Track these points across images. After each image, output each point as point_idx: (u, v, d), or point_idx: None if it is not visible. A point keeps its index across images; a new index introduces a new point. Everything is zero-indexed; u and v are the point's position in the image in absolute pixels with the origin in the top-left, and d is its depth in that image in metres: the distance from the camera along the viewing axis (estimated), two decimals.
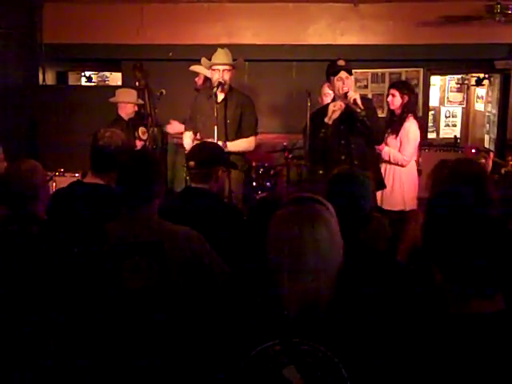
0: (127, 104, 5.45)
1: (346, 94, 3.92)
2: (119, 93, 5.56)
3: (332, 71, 4.00)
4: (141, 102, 5.53)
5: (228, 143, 4.23)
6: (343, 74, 3.95)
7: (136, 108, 5.52)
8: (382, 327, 1.62)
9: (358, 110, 3.85)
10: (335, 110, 3.89)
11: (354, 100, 3.86)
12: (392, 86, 4.78)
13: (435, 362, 1.40)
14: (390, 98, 4.66)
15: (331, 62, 4.05)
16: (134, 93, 5.54)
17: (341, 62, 3.97)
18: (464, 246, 1.42)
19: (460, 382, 1.38)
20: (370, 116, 3.94)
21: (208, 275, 2.15)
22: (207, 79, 5.01)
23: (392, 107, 4.66)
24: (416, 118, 4.68)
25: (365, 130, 3.91)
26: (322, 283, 1.46)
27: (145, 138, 5.50)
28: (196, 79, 5.38)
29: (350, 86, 3.95)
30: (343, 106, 3.89)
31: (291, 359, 1.41)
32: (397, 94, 4.60)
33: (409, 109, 4.62)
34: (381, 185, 4.24)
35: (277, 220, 1.54)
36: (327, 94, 5.07)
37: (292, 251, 1.46)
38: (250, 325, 1.49)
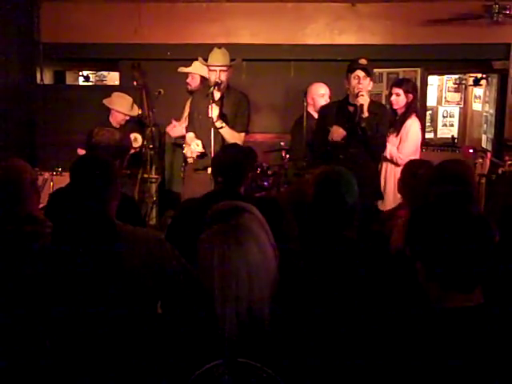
0: (118, 113, 5.30)
1: (358, 94, 3.89)
2: (113, 98, 5.36)
3: (350, 68, 3.98)
4: (133, 113, 5.35)
5: (224, 125, 4.18)
6: (360, 72, 3.92)
7: (127, 117, 5.34)
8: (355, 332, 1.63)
9: (362, 116, 3.84)
10: (338, 135, 3.94)
11: (361, 105, 3.85)
12: (395, 84, 4.58)
13: (416, 357, 1.42)
14: (393, 98, 4.49)
15: (353, 59, 4.01)
16: (128, 101, 5.36)
17: (362, 61, 3.93)
18: (446, 242, 1.45)
19: (440, 376, 1.40)
20: (375, 124, 3.91)
21: (169, 280, 2.04)
22: (204, 79, 4.97)
23: (395, 107, 4.49)
24: (418, 117, 4.55)
25: (363, 137, 3.89)
26: (257, 300, 1.42)
27: (136, 145, 5.23)
28: (188, 80, 5.28)
29: (365, 87, 3.92)
30: (344, 133, 3.93)
31: (235, 379, 1.38)
32: (401, 93, 4.45)
33: (412, 108, 4.48)
34: (378, 195, 4.23)
35: (204, 243, 1.47)
36: (322, 95, 5.04)
37: (222, 274, 1.41)
38: (195, 342, 1.45)
